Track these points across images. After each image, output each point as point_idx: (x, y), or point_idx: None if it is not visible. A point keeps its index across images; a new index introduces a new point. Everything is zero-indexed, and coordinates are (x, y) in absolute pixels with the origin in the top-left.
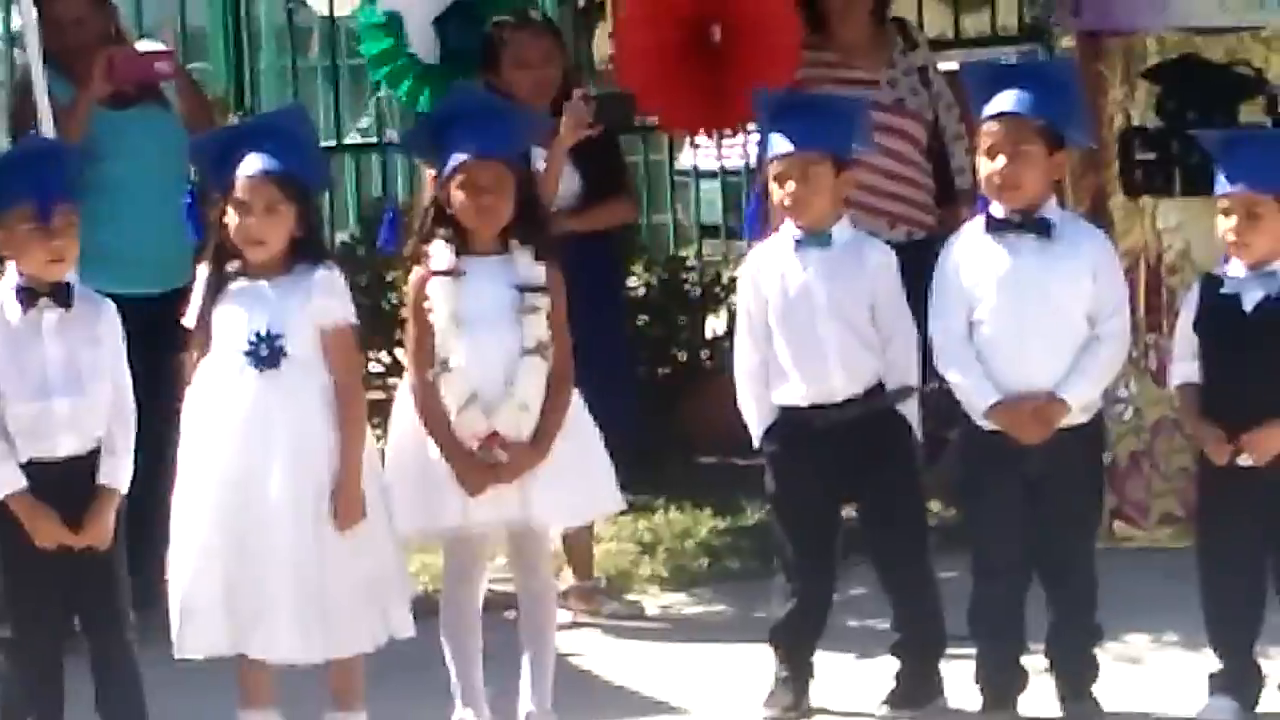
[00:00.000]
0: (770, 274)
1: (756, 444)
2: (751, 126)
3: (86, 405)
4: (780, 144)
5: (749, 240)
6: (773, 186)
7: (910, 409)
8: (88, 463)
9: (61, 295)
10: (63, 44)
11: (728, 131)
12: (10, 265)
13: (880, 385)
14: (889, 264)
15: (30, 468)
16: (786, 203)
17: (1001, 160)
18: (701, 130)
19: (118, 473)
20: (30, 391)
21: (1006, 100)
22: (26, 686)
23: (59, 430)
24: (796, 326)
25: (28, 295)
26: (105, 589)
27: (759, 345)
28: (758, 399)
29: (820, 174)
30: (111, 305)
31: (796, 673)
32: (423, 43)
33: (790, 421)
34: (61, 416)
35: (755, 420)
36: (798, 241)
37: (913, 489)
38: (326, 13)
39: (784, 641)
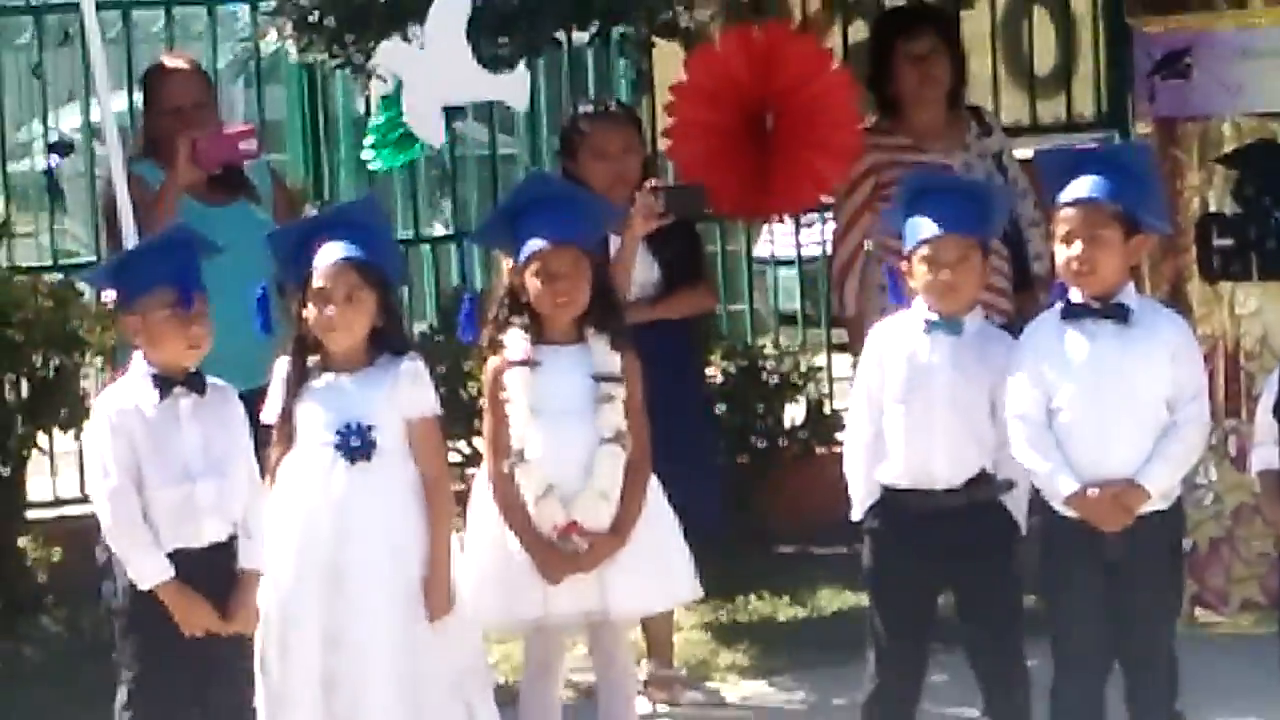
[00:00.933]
0: (896, 352)
1: (858, 517)
2: (829, 214)
3: (228, 488)
4: (930, 227)
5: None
6: (919, 268)
7: (1015, 502)
8: (229, 548)
9: (195, 382)
10: (160, 130)
11: (805, 218)
12: (137, 356)
13: (984, 475)
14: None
15: (174, 556)
16: (934, 289)
17: (1079, 246)
18: (745, 216)
19: (258, 555)
20: (173, 478)
21: (1083, 186)
22: None
23: (203, 515)
24: (913, 408)
25: (163, 383)
26: (238, 680)
27: (874, 420)
28: (866, 473)
29: (975, 259)
30: (235, 391)
31: None
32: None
33: (893, 502)
34: (205, 501)
35: (860, 494)
36: (929, 323)
37: (1012, 581)
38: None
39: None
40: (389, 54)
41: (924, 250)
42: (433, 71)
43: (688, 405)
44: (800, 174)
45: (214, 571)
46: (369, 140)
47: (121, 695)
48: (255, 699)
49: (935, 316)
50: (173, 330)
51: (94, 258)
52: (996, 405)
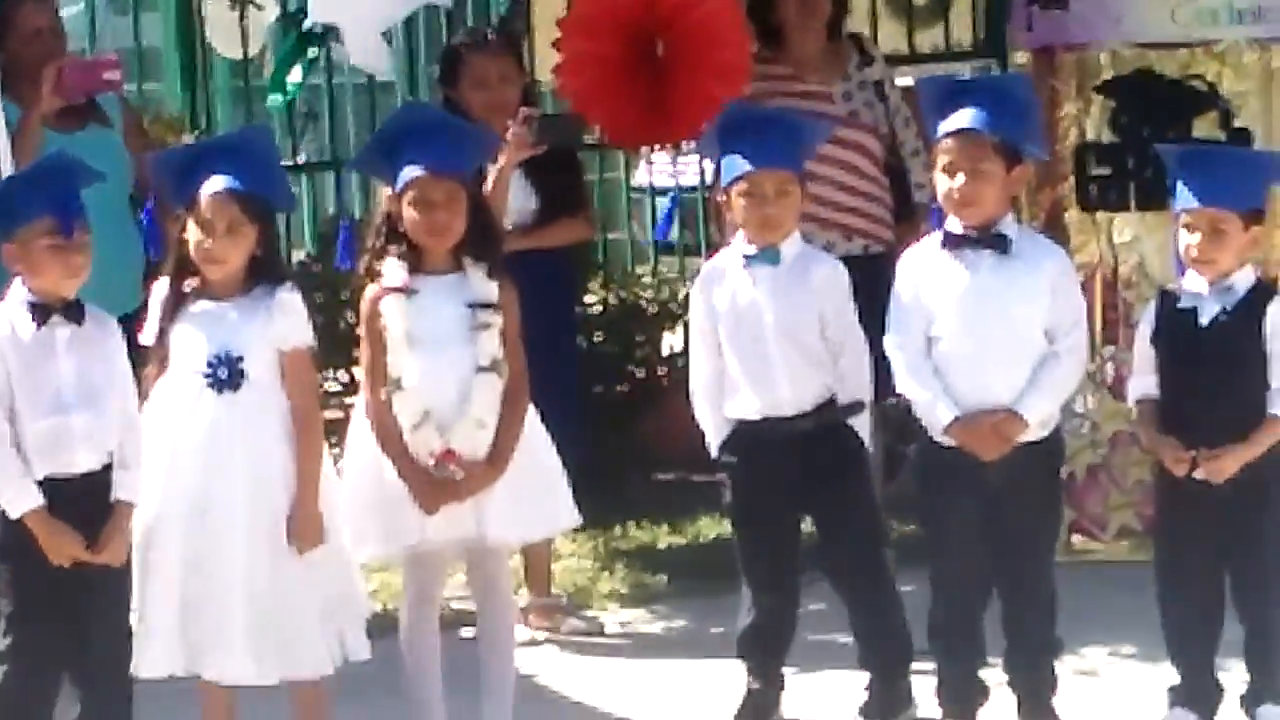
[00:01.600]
0: (721, 290)
1: (714, 455)
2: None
3: (102, 420)
4: (741, 164)
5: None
6: (737, 202)
7: (862, 423)
8: (103, 478)
9: (73, 311)
10: (18, 59)
11: (682, 147)
12: (16, 282)
13: (832, 400)
14: (837, 279)
15: (46, 485)
16: (753, 222)
17: (961, 178)
18: (644, 144)
19: (132, 486)
20: (46, 408)
21: (964, 117)
22: (21, 703)
23: (76, 446)
24: (745, 342)
25: (40, 311)
26: (114, 607)
27: (712, 358)
28: (713, 411)
29: (793, 193)
30: (114, 320)
31: (766, 684)
32: (373, 57)
33: (745, 434)
34: (78, 432)
35: (712, 432)
36: (747, 258)
37: (866, 503)
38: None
39: (752, 653)
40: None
41: (741, 185)
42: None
43: (560, 336)
44: (694, 99)
45: (86, 501)
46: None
47: None
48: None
49: (753, 250)
50: (53, 259)
51: None
52: (826, 326)
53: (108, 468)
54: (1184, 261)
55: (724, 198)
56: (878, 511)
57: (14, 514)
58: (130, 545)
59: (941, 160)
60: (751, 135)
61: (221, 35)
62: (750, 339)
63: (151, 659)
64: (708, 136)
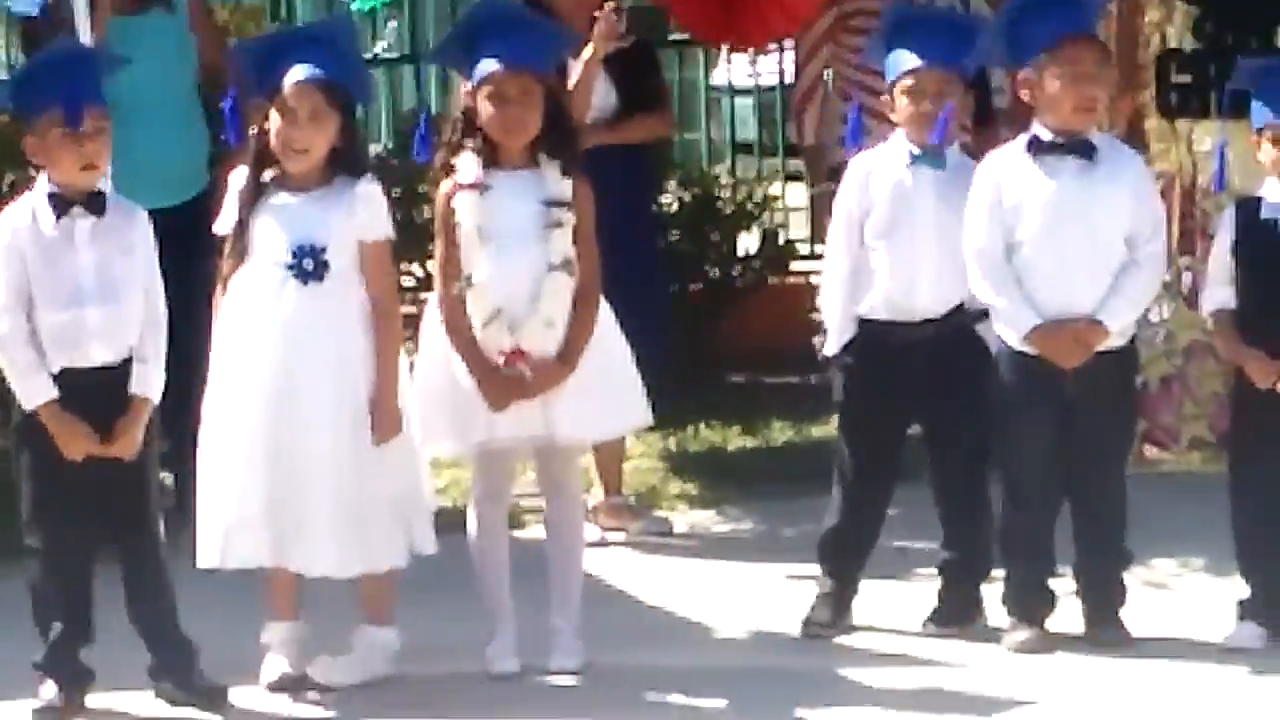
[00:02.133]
0: (880, 185)
1: (834, 351)
2: (787, 44)
3: (119, 314)
4: (911, 59)
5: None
6: (899, 98)
7: (989, 332)
8: (120, 372)
9: (95, 203)
10: None
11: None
12: (42, 174)
13: (961, 305)
14: None
15: (62, 377)
16: (920, 116)
17: (1090, 86)
18: (727, 44)
19: (149, 382)
20: (63, 300)
21: (1080, 20)
22: (57, 595)
23: (92, 339)
24: (899, 240)
25: (60, 203)
26: (135, 498)
27: (852, 253)
28: (845, 306)
29: (955, 92)
30: (143, 213)
31: (841, 589)
32: None
33: (872, 334)
34: (94, 325)
35: (835, 328)
36: (914, 156)
37: (982, 415)
38: None
39: (833, 555)
40: None
41: (907, 81)
42: None
43: (640, 234)
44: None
45: (102, 394)
46: None
47: (24, 511)
48: (157, 526)
49: (918, 150)
50: (65, 149)
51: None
52: None
53: (125, 362)
54: (1273, 173)
55: (887, 98)
56: (989, 423)
57: (28, 406)
58: (139, 440)
59: (1065, 66)
60: (920, 33)
61: None
62: (906, 234)
63: (239, 552)
64: (873, 36)
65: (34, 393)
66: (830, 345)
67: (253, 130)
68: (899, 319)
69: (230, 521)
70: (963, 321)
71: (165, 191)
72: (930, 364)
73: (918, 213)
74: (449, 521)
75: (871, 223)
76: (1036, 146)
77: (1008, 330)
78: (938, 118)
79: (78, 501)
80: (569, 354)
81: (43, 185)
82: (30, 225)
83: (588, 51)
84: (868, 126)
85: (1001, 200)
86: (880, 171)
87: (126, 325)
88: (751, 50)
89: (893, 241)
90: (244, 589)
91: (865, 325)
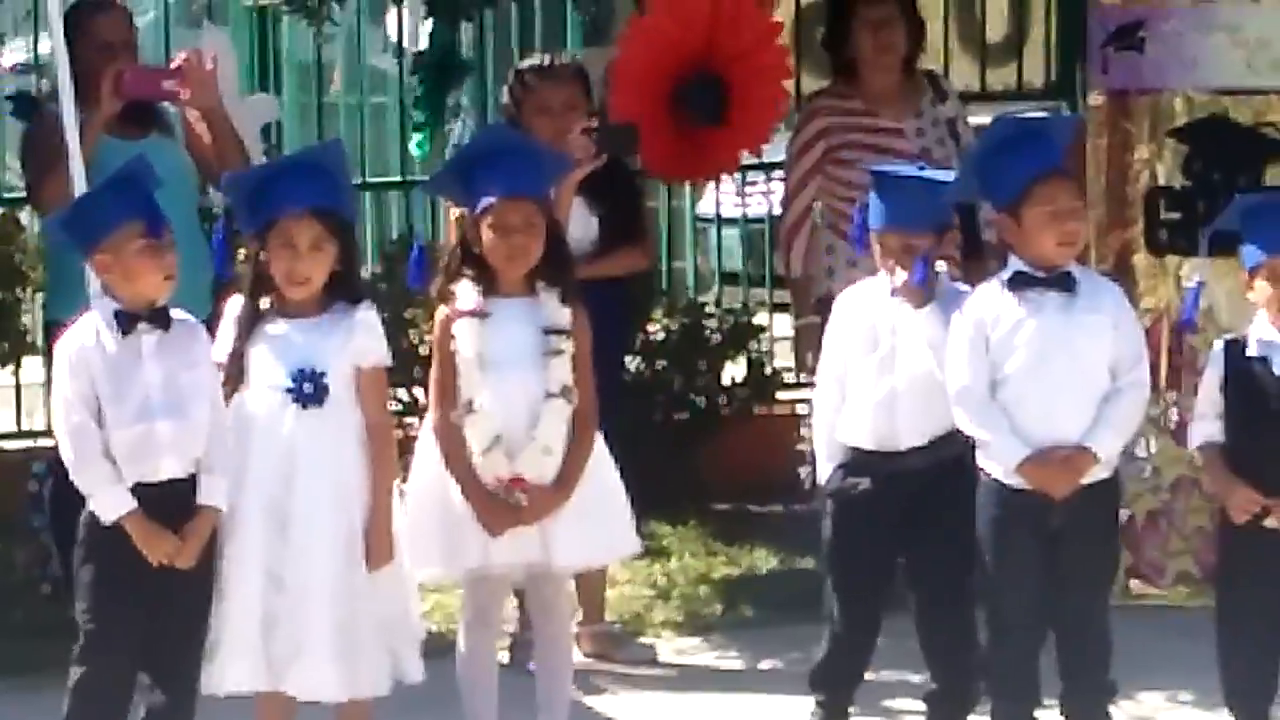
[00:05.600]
0: (865, 317)
1: (824, 479)
2: (776, 174)
3: (188, 427)
4: (878, 218)
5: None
6: (875, 248)
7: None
8: (186, 484)
9: (160, 318)
10: (89, 68)
11: (750, 177)
12: (97, 299)
13: (950, 433)
14: None
15: (134, 490)
16: (887, 269)
17: (1070, 222)
18: (679, 177)
19: (217, 492)
20: (132, 416)
21: (1056, 158)
22: (100, 701)
23: (162, 453)
24: (880, 371)
25: (126, 319)
26: (192, 609)
27: (842, 384)
28: (832, 438)
29: (921, 245)
30: (202, 326)
31: (832, 718)
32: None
33: (859, 463)
34: (164, 439)
35: (824, 455)
36: (895, 290)
37: (968, 545)
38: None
39: (825, 686)
40: None
41: (877, 235)
42: None
43: (605, 366)
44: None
45: (170, 507)
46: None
47: (82, 620)
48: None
49: (898, 284)
50: (148, 261)
51: None
52: None
53: (192, 475)
54: (1263, 310)
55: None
56: (974, 555)
57: (109, 518)
58: (199, 551)
59: (1044, 205)
60: (890, 194)
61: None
62: (887, 368)
63: (234, 675)
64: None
65: (116, 505)
66: (821, 474)
67: (243, 257)
68: (884, 448)
69: (226, 646)
70: (950, 451)
71: None
72: (918, 493)
73: (897, 344)
74: (434, 647)
75: (856, 353)
76: (1017, 281)
77: (994, 464)
78: (911, 267)
79: (136, 613)
80: (566, 481)
81: (102, 304)
82: (95, 344)
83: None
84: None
85: (987, 338)
86: (865, 304)
87: (195, 438)
88: (737, 179)
89: (880, 372)
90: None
91: (854, 454)
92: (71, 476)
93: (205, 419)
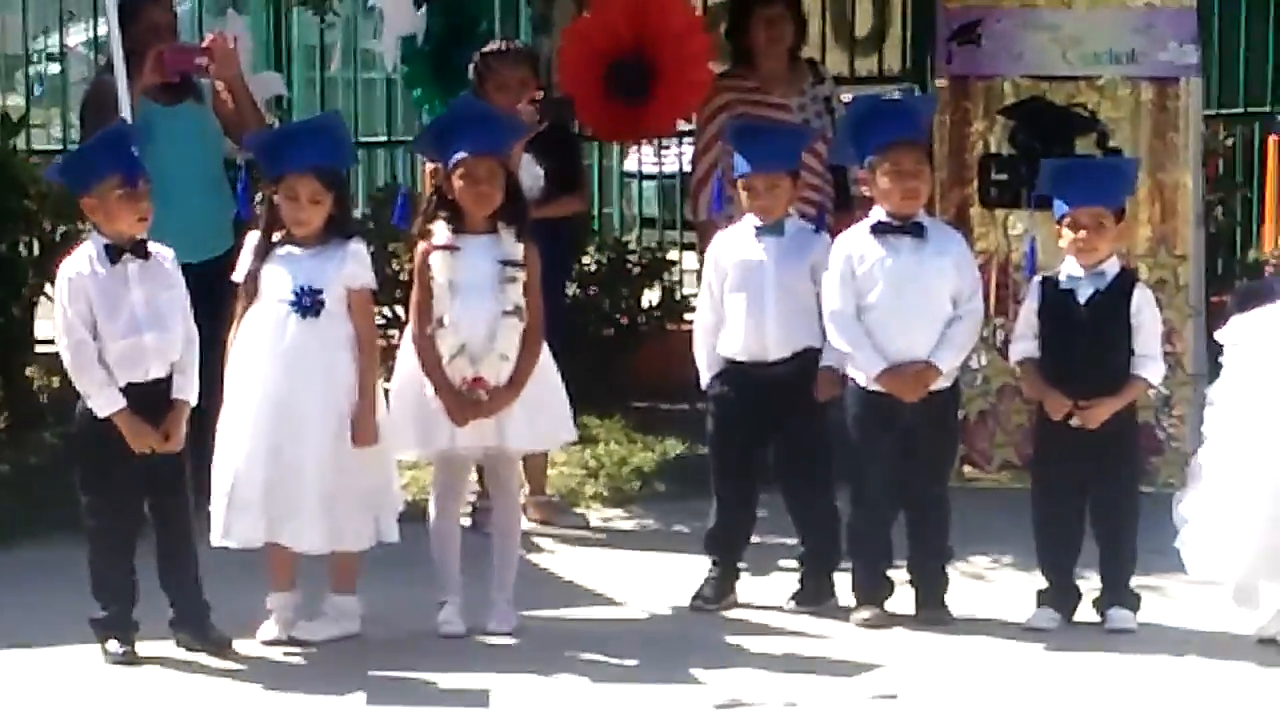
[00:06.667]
0: (731, 253)
1: (705, 385)
2: (687, 140)
3: (169, 338)
4: (744, 165)
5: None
6: (743, 194)
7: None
8: (167, 382)
9: (141, 249)
10: (138, 46)
11: (665, 142)
12: (89, 237)
13: (810, 350)
14: (827, 248)
15: (127, 390)
16: (755, 208)
17: (912, 180)
18: (622, 139)
19: (189, 388)
20: (122, 330)
21: (905, 129)
22: (112, 568)
23: (150, 359)
24: (749, 295)
25: (114, 252)
26: (176, 484)
27: (715, 308)
28: (709, 351)
29: (784, 186)
30: (172, 253)
31: (723, 573)
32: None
33: (733, 371)
34: (150, 348)
35: (705, 367)
36: (758, 229)
37: (822, 433)
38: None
39: (716, 549)
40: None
41: (744, 181)
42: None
43: (551, 289)
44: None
45: (156, 400)
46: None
47: (83, 499)
48: (191, 506)
49: (760, 223)
50: (125, 206)
51: None
52: (816, 284)
53: (169, 374)
54: (1069, 252)
55: (733, 189)
56: (828, 442)
57: (102, 414)
58: (184, 435)
59: (896, 164)
60: (750, 144)
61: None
62: (755, 290)
63: (239, 530)
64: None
65: (108, 403)
66: (703, 380)
67: (259, 200)
68: (754, 358)
69: (234, 506)
70: (807, 362)
71: (197, 250)
72: (781, 395)
73: (764, 270)
74: (410, 513)
75: (729, 282)
76: (879, 227)
77: (858, 373)
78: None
79: (128, 490)
80: (517, 382)
81: (95, 238)
82: (90, 272)
83: None
84: (733, 198)
85: (854, 271)
86: (732, 243)
87: (174, 345)
88: (653, 144)
89: (746, 295)
90: (245, 564)
91: (729, 364)
92: (72, 380)
93: (180, 330)
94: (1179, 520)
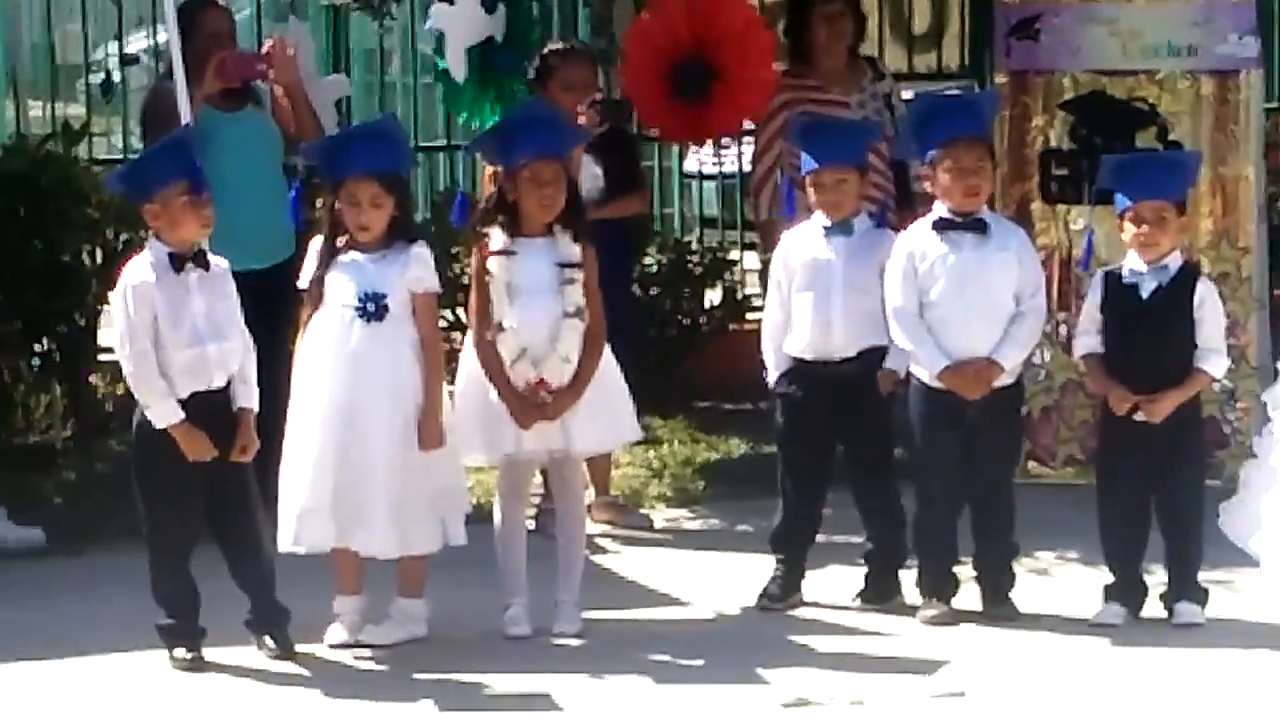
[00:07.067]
0: (801, 252)
1: (772, 384)
2: (747, 140)
3: (228, 348)
4: (810, 162)
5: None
6: (810, 190)
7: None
8: (227, 390)
9: (202, 259)
10: (199, 53)
11: (724, 142)
12: (149, 245)
13: (876, 348)
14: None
15: (191, 399)
16: (824, 204)
17: (973, 177)
18: (686, 140)
19: (251, 396)
20: (186, 340)
21: (966, 126)
22: (174, 574)
23: (213, 369)
24: (817, 294)
25: (176, 260)
26: (242, 492)
27: (784, 307)
28: (777, 349)
29: (851, 181)
30: (227, 263)
31: (789, 571)
32: (455, 63)
33: (800, 370)
34: (213, 359)
35: (772, 366)
36: (827, 229)
37: (887, 432)
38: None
39: (782, 547)
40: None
41: (813, 177)
42: (460, 21)
43: (616, 290)
44: (732, 108)
45: (217, 409)
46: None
47: (144, 507)
48: (260, 510)
49: (830, 223)
50: (189, 213)
51: None
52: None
53: (229, 383)
54: (1132, 247)
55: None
56: (893, 439)
57: (160, 425)
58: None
59: (956, 160)
60: (821, 138)
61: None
62: (822, 289)
63: (310, 536)
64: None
65: (166, 415)
66: (770, 378)
67: (321, 205)
68: (820, 357)
69: (303, 511)
70: (873, 360)
71: (260, 256)
72: (847, 394)
73: (832, 270)
74: (475, 515)
75: (796, 281)
76: (940, 224)
77: (922, 371)
78: (838, 204)
79: (188, 499)
80: (579, 384)
81: (156, 246)
82: (154, 281)
83: None
84: (799, 198)
85: (916, 268)
86: (801, 242)
87: (234, 355)
88: (713, 144)
89: (814, 294)
90: (313, 569)
91: (796, 363)
92: (131, 389)
93: (239, 340)
94: (1252, 521)
